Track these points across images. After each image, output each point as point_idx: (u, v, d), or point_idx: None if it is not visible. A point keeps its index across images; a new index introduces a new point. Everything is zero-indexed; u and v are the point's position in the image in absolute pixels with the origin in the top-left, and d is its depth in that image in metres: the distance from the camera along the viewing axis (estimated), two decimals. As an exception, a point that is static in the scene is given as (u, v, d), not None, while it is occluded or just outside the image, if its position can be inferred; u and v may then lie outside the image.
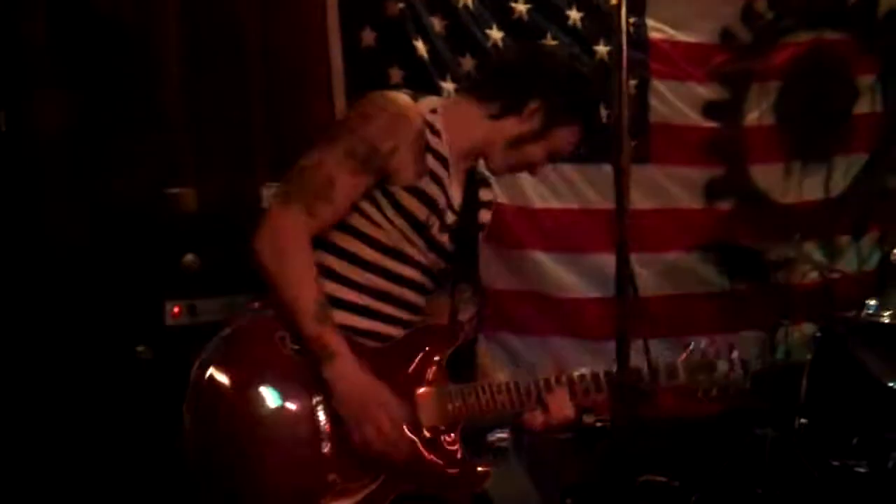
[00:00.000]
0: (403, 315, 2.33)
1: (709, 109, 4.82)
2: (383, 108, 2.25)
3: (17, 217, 3.67)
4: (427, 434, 2.24)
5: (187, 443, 2.14)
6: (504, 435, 3.58)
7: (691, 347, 2.38)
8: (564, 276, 4.59)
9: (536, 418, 2.33)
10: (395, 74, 4.29)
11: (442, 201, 2.31)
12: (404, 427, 2.19)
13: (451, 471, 2.26)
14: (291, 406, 2.16)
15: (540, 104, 2.32)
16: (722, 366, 2.33)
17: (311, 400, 2.16)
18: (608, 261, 4.42)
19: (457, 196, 2.37)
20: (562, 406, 2.33)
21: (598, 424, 4.30)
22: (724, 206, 4.88)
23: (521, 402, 2.32)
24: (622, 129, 1.77)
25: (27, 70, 3.79)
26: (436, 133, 2.30)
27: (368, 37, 4.27)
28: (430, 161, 2.27)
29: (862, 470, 4.12)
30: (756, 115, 4.91)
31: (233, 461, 2.11)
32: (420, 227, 2.29)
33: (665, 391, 4.59)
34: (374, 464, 2.16)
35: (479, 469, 2.30)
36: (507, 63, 2.56)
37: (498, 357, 4.48)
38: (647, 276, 4.69)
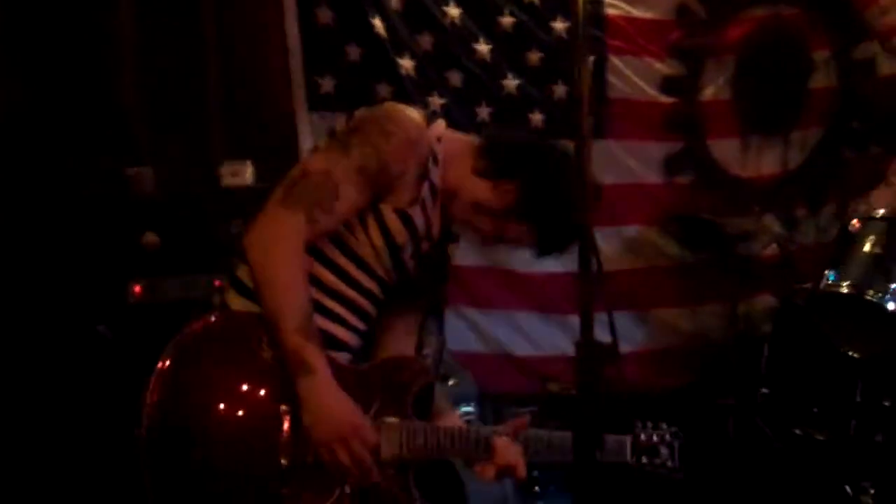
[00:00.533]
0: (354, 320, 2.30)
1: (666, 85, 4.84)
2: (404, 128, 2.22)
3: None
4: (383, 465, 2.19)
5: (144, 430, 2.10)
6: (471, 409, 3.61)
7: (639, 428, 2.38)
8: (526, 250, 4.58)
9: (488, 470, 2.28)
10: (353, 52, 4.28)
11: (422, 230, 2.30)
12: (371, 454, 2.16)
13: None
14: (255, 412, 2.12)
15: (514, 188, 2.28)
16: (663, 451, 2.36)
17: (276, 409, 2.12)
18: (570, 236, 4.45)
19: (435, 225, 2.35)
20: (511, 456, 2.27)
21: (563, 393, 4.33)
22: (684, 180, 4.90)
23: (476, 452, 2.28)
24: (583, 105, 1.75)
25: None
26: (435, 162, 2.28)
27: (325, 14, 4.24)
28: (425, 189, 2.26)
29: (822, 438, 4.17)
30: (713, 90, 4.92)
31: (187, 458, 2.08)
32: (394, 249, 2.27)
33: (628, 361, 4.68)
34: (329, 485, 2.13)
35: None
36: (512, 135, 2.55)
37: (463, 333, 4.52)
38: (608, 250, 4.71)
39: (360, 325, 2.31)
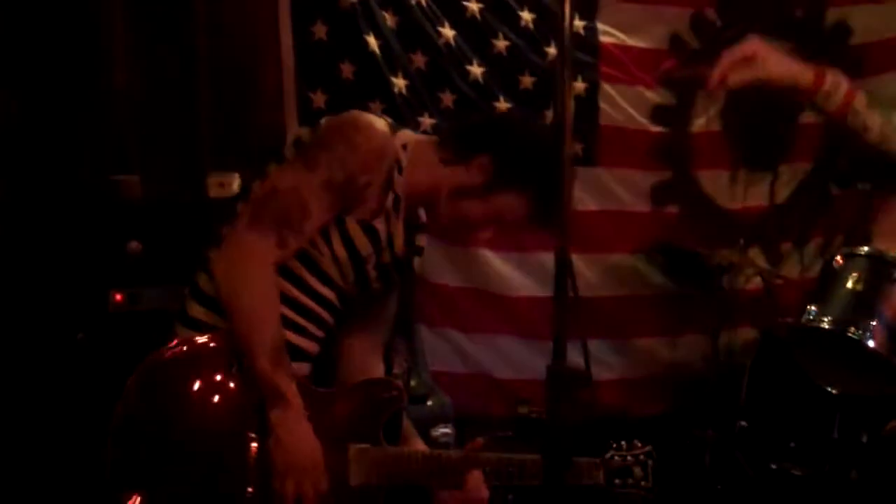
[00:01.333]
0: (312, 328, 2.29)
1: (657, 114, 4.86)
2: (369, 138, 2.20)
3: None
4: (352, 491, 2.18)
5: (111, 447, 2.09)
6: (447, 430, 3.60)
7: (613, 447, 2.39)
8: (510, 273, 4.60)
9: (453, 497, 2.27)
10: (346, 69, 4.28)
11: (385, 241, 2.28)
12: (331, 486, 2.13)
13: None
14: (225, 437, 2.11)
15: (488, 160, 2.26)
16: (637, 472, 2.37)
17: (245, 435, 2.12)
18: (552, 259, 4.44)
19: (398, 236, 2.32)
20: (478, 487, 2.26)
21: (533, 416, 4.32)
22: (670, 209, 4.92)
23: (445, 475, 2.26)
24: (566, 129, 1.75)
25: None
26: (399, 170, 2.25)
27: (320, 30, 4.24)
28: (388, 200, 2.24)
29: (798, 473, 4.17)
30: (703, 121, 4.95)
31: (154, 474, 2.07)
32: (358, 262, 2.26)
33: (606, 388, 4.68)
34: None
35: None
36: (468, 116, 2.52)
37: (443, 353, 4.51)
38: (592, 276, 4.72)
39: (318, 333, 2.30)
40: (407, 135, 2.34)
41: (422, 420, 3.52)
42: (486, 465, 2.27)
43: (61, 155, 3.81)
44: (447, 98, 4.45)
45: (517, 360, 4.65)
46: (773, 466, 4.23)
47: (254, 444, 2.11)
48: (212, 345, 2.17)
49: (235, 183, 3.78)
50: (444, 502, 2.29)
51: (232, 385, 2.12)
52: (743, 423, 4.32)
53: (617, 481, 2.35)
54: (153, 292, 3.37)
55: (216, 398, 2.13)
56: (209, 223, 3.46)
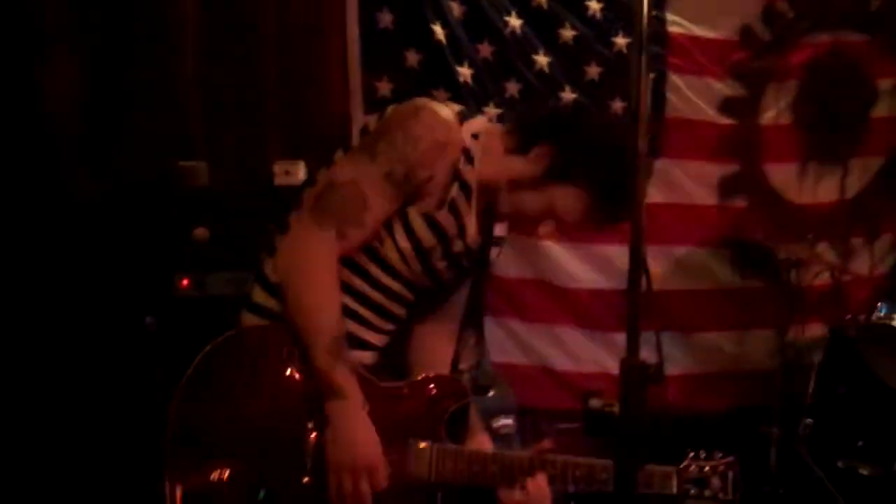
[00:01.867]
0: (380, 322, 2.28)
1: (725, 106, 4.78)
2: (431, 130, 2.16)
3: (31, 189, 3.67)
4: (411, 488, 2.17)
5: (170, 432, 2.10)
6: (509, 422, 3.56)
7: (691, 456, 2.31)
8: (573, 265, 4.55)
9: (514, 496, 2.22)
10: (412, 57, 4.27)
11: (453, 231, 2.25)
12: (389, 482, 2.12)
13: None
14: (282, 427, 2.11)
15: (547, 150, 2.21)
16: (715, 482, 2.29)
17: (304, 424, 2.11)
18: (617, 252, 4.41)
19: (472, 226, 2.29)
20: (541, 490, 2.22)
21: (606, 410, 4.28)
22: (738, 203, 4.83)
23: (506, 477, 2.22)
24: (639, 121, 1.71)
25: (43, 44, 3.78)
26: (470, 161, 2.22)
27: (386, 18, 4.23)
28: (455, 191, 2.21)
29: (866, 473, 4.10)
30: (773, 113, 4.86)
31: (211, 459, 2.08)
32: (421, 253, 2.23)
33: (670, 383, 4.63)
34: None
35: None
36: (534, 106, 2.47)
37: (504, 344, 4.50)
38: (658, 270, 4.67)
39: (387, 326, 2.29)
40: (479, 123, 2.30)
41: (483, 411, 3.50)
42: (552, 469, 2.23)
43: (129, 142, 3.85)
44: (512, 88, 4.41)
45: (579, 352, 4.62)
46: (841, 465, 4.16)
47: (312, 434, 2.10)
48: (274, 333, 2.17)
49: (301, 171, 3.79)
50: (504, 499, 2.24)
51: (293, 374, 2.12)
52: (809, 420, 4.25)
53: (693, 491, 2.28)
54: (219, 278, 3.40)
55: (277, 387, 2.13)
56: (275, 210, 3.52)
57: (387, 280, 2.25)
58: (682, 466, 2.28)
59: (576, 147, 2.21)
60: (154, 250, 3.42)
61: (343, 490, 2.07)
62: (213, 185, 3.70)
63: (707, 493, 2.27)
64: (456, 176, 2.20)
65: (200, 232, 3.44)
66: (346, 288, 2.19)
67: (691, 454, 2.30)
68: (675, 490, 2.26)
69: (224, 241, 3.46)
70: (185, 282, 3.40)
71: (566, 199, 2.22)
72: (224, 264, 3.41)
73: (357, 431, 2.08)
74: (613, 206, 2.16)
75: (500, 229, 2.46)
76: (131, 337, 3.32)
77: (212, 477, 2.07)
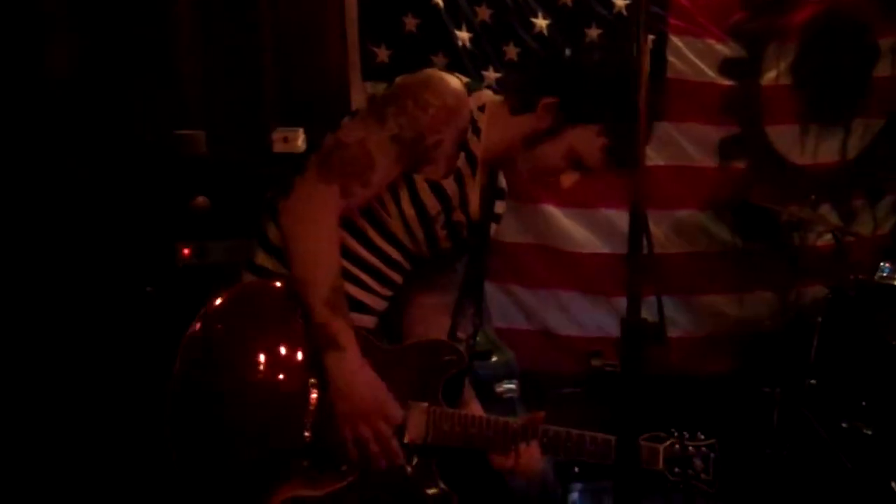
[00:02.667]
0: (378, 286, 2.28)
1: (726, 67, 4.75)
2: (441, 96, 2.16)
3: (29, 158, 3.65)
4: (407, 448, 2.18)
5: (174, 384, 2.10)
6: (512, 386, 3.59)
7: (675, 435, 2.31)
8: (575, 230, 4.55)
9: (506, 461, 2.24)
10: (410, 22, 4.24)
11: (456, 201, 2.26)
12: (387, 438, 2.13)
13: (420, 490, 2.21)
14: (285, 380, 2.12)
15: (552, 100, 2.20)
16: (698, 464, 2.30)
17: (305, 381, 2.12)
18: (619, 216, 4.41)
19: (473, 199, 2.30)
20: (532, 458, 2.24)
21: (607, 369, 4.30)
22: (739, 165, 4.82)
23: (501, 442, 2.24)
24: (641, 84, 1.70)
25: (41, 14, 3.75)
26: (476, 132, 2.23)
27: (383, -17, 4.22)
28: (461, 160, 2.22)
29: (870, 432, 4.11)
30: (773, 74, 4.83)
31: (212, 417, 2.08)
32: (425, 220, 2.24)
33: (672, 346, 4.65)
34: (351, 465, 2.12)
35: (448, 497, 2.22)
36: (530, 60, 2.44)
37: (507, 309, 4.51)
38: (658, 233, 4.67)
39: (385, 291, 2.30)
40: (485, 95, 2.30)
41: (486, 376, 3.52)
42: (545, 438, 2.24)
43: (126, 110, 3.83)
44: (511, 51, 4.39)
45: (581, 316, 4.63)
46: (844, 425, 4.17)
47: (314, 390, 2.11)
48: (276, 290, 2.18)
49: (300, 138, 3.78)
50: (497, 465, 2.26)
51: (294, 330, 2.13)
52: (812, 381, 4.26)
53: (676, 470, 2.29)
54: (220, 246, 3.39)
55: (278, 343, 2.14)
56: (274, 178, 3.51)
57: (387, 247, 2.26)
58: (666, 444, 2.29)
59: (580, 88, 2.20)
60: (154, 220, 3.41)
61: (362, 438, 2.09)
62: (211, 153, 3.68)
63: (690, 472, 2.29)
64: (463, 145, 2.21)
65: (200, 200, 3.43)
66: (345, 252, 2.20)
67: (675, 433, 2.31)
68: (660, 466, 2.28)
69: (224, 209, 3.44)
70: (185, 251, 3.39)
71: (583, 140, 2.21)
72: (224, 232, 3.40)
73: (359, 378, 2.09)
74: (628, 135, 2.13)
75: (500, 207, 2.48)
76: (133, 307, 3.32)
77: (214, 433, 2.08)
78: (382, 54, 4.24)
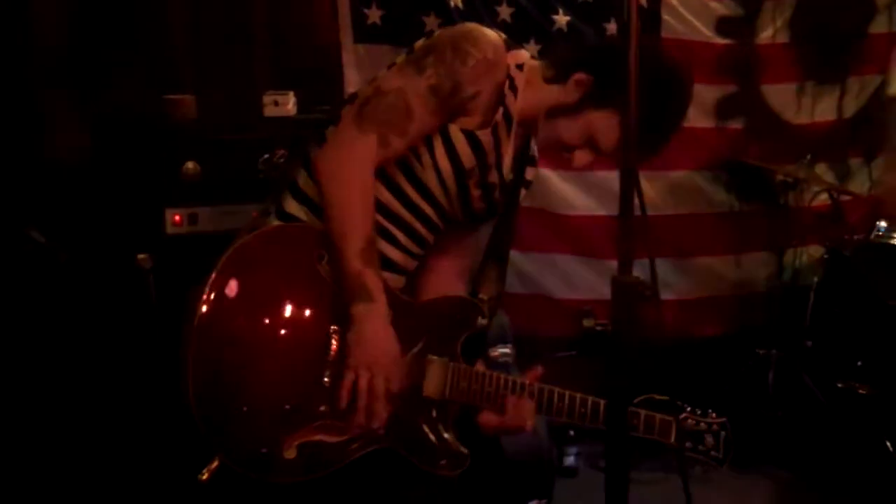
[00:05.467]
0: (409, 244, 2.27)
1: (722, 26, 4.71)
2: (481, 49, 2.14)
3: (18, 126, 3.63)
4: (424, 401, 2.19)
5: (195, 322, 2.05)
6: (507, 350, 3.57)
7: (688, 411, 2.30)
8: (569, 192, 4.54)
9: (493, 420, 2.22)
10: (404, -16, 4.20)
11: (492, 157, 2.24)
12: (403, 392, 2.13)
13: (434, 444, 2.21)
14: (307, 326, 2.11)
15: (586, 76, 2.19)
16: (709, 440, 2.30)
17: (328, 327, 2.11)
18: (614, 178, 4.32)
19: (507, 159, 2.28)
20: (521, 415, 2.21)
21: (598, 329, 4.30)
22: (735, 125, 4.79)
23: (495, 400, 2.22)
24: (631, 43, 1.68)
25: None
26: (513, 90, 2.21)
27: (375, -51, 4.17)
28: (499, 115, 2.20)
29: (865, 392, 4.12)
30: (770, 32, 4.79)
31: (232, 356, 2.06)
32: (461, 174, 2.21)
33: (668, 309, 4.64)
34: (332, 408, 2.11)
35: (462, 451, 2.22)
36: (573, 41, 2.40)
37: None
38: (654, 194, 4.65)
39: (416, 249, 2.29)
40: (524, 55, 2.27)
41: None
42: (539, 395, 2.22)
43: (114, 75, 3.80)
44: (504, 11, 4.34)
45: (576, 279, 4.62)
46: (840, 385, 4.17)
47: (335, 337, 2.11)
48: (303, 235, 2.17)
49: (291, 101, 3.75)
50: (484, 423, 2.24)
51: (320, 277, 2.12)
52: (808, 342, 4.26)
53: (688, 444, 2.29)
54: (211, 212, 3.37)
55: (302, 288, 2.13)
56: (265, 142, 3.48)
57: (421, 202, 2.24)
58: (681, 417, 2.29)
59: (614, 73, 2.12)
60: (143, 186, 3.39)
61: (359, 386, 2.08)
62: (201, 118, 3.66)
63: (701, 448, 2.30)
64: (501, 100, 2.20)
65: (191, 166, 3.40)
66: (379, 205, 2.19)
67: (688, 409, 2.32)
68: (673, 439, 2.28)
69: (215, 174, 3.42)
70: (177, 218, 3.37)
71: (603, 124, 2.19)
72: (216, 198, 3.38)
73: (380, 334, 2.09)
74: (650, 131, 2.07)
75: (530, 173, 2.47)
76: (124, 275, 3.30)
77: (234, 375, 2.06)
78: (374, 15, 4.18)
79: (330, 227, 2.10)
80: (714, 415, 2.33)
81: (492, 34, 2.19)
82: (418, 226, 2.26)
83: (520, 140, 2.31)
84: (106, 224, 3.40)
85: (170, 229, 3.39)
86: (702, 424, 2.30)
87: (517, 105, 2.22)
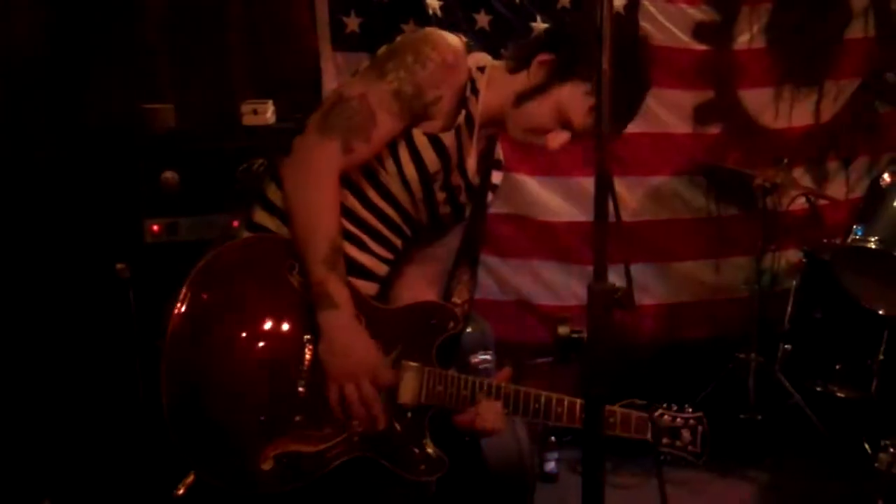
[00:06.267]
0: (380, 249, 2.27)
1: (699, 31, 4.73)
2: (441, 51, 2.16)
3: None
4: (400, 408, 2.19)
5: (168, 338, 2.06)
6: (487, 357, 3.58)
7: (664, 407, 2.32)
8: (549, 199, 4.54)
9: (466, 422, 2.24)
10: (381, -7, 4.21)
11: (454, 159, 2.25)
12: (382, 397, 2.14)
13: (411, 449, 2.21)
14: (280, 336, 2.11)
15: (547, 56, 2.22)
16: (686, 435, 2.31)
17: (301, 337, 2.11)
18: (593, 184, 4.39)
19: (471, 162, 2.30)
20: (490, 417, 2.23)
21: (574, 336, 4.29)
22: (713, 130, 4.82)
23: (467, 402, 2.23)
24: (604, 50, 1.69)
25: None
26: (475, 92, 2.23)
27: (353, -45, 4.17)
28: (461, 118, 2.21)
29: (844, 396, 4.14)
30: (747, 37, 4.81)
31: (206, 370, 2.07)
32: (426, 178, 2.22)
33: (648, 313, 4.65)
34: (343, 423, 2.12)
35: (439, 456, 2.22)
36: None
37: (482, 280, 4.49)
38: (633, 199, 4.67)
39: (385, 254, 2.29)
40: (485, 57, 2.30)
41: (462, 347, 3.51)
42: (509, 395, 2.24)
43: (92, 84, 3.78)
44: (483, 19, 4.35)
45: (556, 285, 4.63)
46: (818, 389, 4.20)
47: (308, 347, 2.11)
48: (271, 245, 2.18)
49: (269, 110, 3.75)
50: (460, 425, 2.26)
51: (291, 286, 2.12)
52: (787, 346, 4.28)
53: (665, 440, 2.30)
54: (190, 222, 3.37)
55: (273, 299, 2.13)
56: (244, 151, 3.48)
57: (386, 207, 2.25)
58: (656, 415, 2.30)
59: (575, 46, 2.20)
60: (122, 196, 3.38)
61: (348, 397, 2.08)
62: (179, 127, 3.65)
63: (678, 443, 2.30)
64: (463, 103, 2.21)
65: (169, 176, 3.39)
66: (345, 210, 2.19)
67: (664, 405, 2.32)
68: (650, 436, 2.28)
69: (194, 184, 3.41)
70: (155, 227, 3.37)
71: (572, 98, 2.20)
72: (195, 208, 3.37)
73: (351, 338, 2.09)
74: (620, 98, 2.06)
75: (496, 177, 2.48)
76: (103, 285, 3.29)
77: (209, 388, 2.06)
78: (352, 24, 4.19)
79: (294, 235, 2.11)
80: (690, 410, 2.34)
81: (451, 38, 2.21)
82: (385, 230, 2.26)
83: (483, 143, 2.33)
84: (85, 234, 3.38)
85: (148, 239, 3.39)
86: (678, 420, 2.31)
87: (479, 107, 2.24)
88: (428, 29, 2.26)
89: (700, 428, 2.31)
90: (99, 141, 3.53)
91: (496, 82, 2.27)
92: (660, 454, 2.32)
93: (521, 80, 2.24)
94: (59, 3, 3.78)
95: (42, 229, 3.45)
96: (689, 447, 2.31)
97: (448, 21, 4.26)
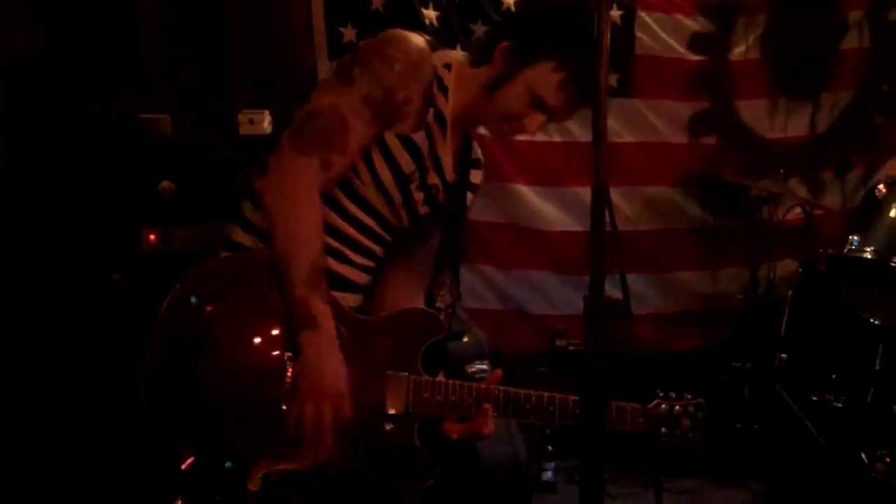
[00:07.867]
0: (360, 259, 2.27)
1: (695, 42, 4.75)
2: (406, 52, 2.17)
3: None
4: (388, 418, 2.17)
5: (150, 361, 2.07)
6: (483, 366, 3.57)
7: (661, 396, 2.31)
8: (546, 209, 4.56)
9: (455, 428, 2.23)
10: (376, 1, 4.21)
11: (428, 158, 2.25)
12: (365, 411, 2.13)
13: (401, 459, 2.19)
14: (263, 355, 2.10)
15: (506, 44, 2.23)
16: (685, 422, 2.29)
17: (283, 354, 2.10)
18: (589, 194, 4.39)
19: (447, 161, 2.30)
20: (482, 421, 2.22)
21: (570, 348, 4.31)
22: (709, 140, 4.83)
23: (461, 408, 2.22)
24: (601, 61, 1.70)
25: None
26: (442, 90, 2.24)
27: (349, -36, 4.18)
28: (430, 117, 2.22)
29: (840, 405, 4.14)
30: (742, 49, 4.84)
31: (191, 391, 2.06)
32: (402, 180, 2.22)
33: (644, 322, 4.65)
34: (286, 437, 2.09)
35: (430, 463, 2.20)
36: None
37: (478, 289, 4.50)
38: (629, 210, 4.68)
39: (366, 263, 2.29)
40: (450, 55, 2.30)
41: (457, 356, 3.50)
42: (499, 398, 2.23)
43: (89, 94, 3.79)
44: (479, 29, 4.36)
45: (552, 295, 4.64)
46: (814, 399, 4.20)
47: (290, 364, 2.10)
48: (251, 264, 2.17)
49: (266, 120, 3.75)
50: (447, 431, 2.24)
51: (271, 304, 2.10)
52: (783, 355, 4.28)
53: (663, 429, 2.29)
54: (187, 231, 3.36)
55: (255, 317, 2.12)
56: (240, 161, 3.48)
57: (363, 216, 2.24)
58: (651, 405, 2.29)
59: (534, 28, 2.23)
60: (119, 205, 3.37)
61: (304, 416, 2.06)
62: (176, 136, 3.65)
63: (677, 431, 2.29)
64: (430, 101, 2.21)
65: (166, 185, 3.39)
66: (325, 224, 2.17)
67: (661, 394, 2.31)
68: (642, 428, 2.28)
69: (190, 193, 3.41)
70: (151, 237, 3.36)
71: (541, 78, 2.21)
72: (192, 217, 3.37)
73: (326, 362, 2.07)
74: (588, 71, 1.99)
75: (475, 176, 2.48)
76: (100, 295, 3.28)
77: (192, 409, 2.05)
78: (349, 34, 4.20)
79: (276, 254, 2.09)
80: (689, 396, 2.32)
81: (415, 37, 2.22)
82: (364, 239, 2.26)
83: (458, 140, 2.33)
84: (81, 243, 3.38)
85: (145, 248, 3.39)
86: (676, 407, 2.29)
87: (449, 104, 2.24)
88: (390, 30, 2.25)
89: (700, 414, 2.30)
90: (96, 150, 3.52)
91: (463, 78, 2.27)
92: (657, 453, 2.31)
93: (487, 71, 2.25)
94: (57, 13, 3.78)
95: (39, 238, 3.45)
96: (689, 434, 2.29)
97: (444, 31, 4.28)
